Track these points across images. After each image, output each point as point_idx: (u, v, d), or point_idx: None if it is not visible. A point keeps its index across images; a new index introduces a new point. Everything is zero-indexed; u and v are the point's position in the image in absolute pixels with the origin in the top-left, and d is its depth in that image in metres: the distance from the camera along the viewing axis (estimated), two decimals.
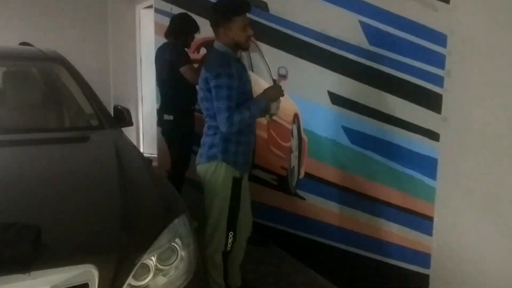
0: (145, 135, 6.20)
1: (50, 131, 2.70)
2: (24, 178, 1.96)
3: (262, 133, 3.34)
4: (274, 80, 3.14)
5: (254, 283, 2.80)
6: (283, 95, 2.36)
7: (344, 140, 2.57)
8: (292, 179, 3.12)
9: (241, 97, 2.25)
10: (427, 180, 2.10)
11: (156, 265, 1.60)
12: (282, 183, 3.23)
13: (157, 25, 4.86)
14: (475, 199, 1.92)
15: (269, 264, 3.06)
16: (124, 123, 2.86)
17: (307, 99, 2.86)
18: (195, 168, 2.42)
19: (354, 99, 2.49)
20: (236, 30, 2.21)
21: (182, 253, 1.68)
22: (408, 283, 2.26)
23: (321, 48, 2.68)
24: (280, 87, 2.35)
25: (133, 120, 3.08)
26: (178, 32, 3.59)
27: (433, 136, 2.05)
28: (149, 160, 4.44)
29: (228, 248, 2.38)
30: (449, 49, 1.94)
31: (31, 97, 3.01)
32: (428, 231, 2.11)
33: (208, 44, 3.75)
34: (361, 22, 2.39)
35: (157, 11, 4.87)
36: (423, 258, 2.16)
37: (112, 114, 2.87)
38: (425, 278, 2.16)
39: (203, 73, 2.27)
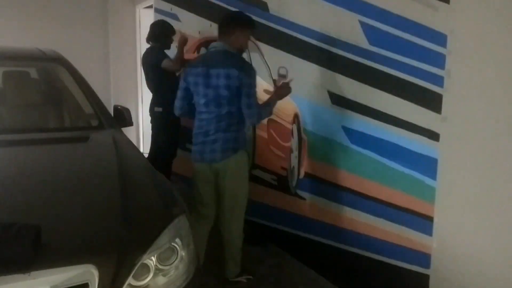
0: (145, 135, 6.18)
1: (50, 131, 2.70)
2: (24, 178, 1.95)
3: (262, 133, 3.34)
4: (274, 80, 3.14)
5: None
6: (290, 91, 2.67)
7: (344, 140, 2.57)
8: (292, 179, 3.12)
9: None
10: (427, 180, 2.10)
11: (156, 265, 1.60)
12: (282, 183, 3.23)
13: None
14: (475, 199, 1.92)
15: (269, 264, 3.06)
16: (124, 123, 2.86)
17: (307, 99, 2.87)
18: (182, 163, 2.48)
19: (354, 99, 2.50)
20: (245, 39, 2.59)
21: (182, 253, 1.69)
22: (408, 283, 2.26)
23: (321, 48, 2.68)
24: (288, 84, 2.65)
25: (133, 120, 3.09)
26: (157, 36, 3.99)
27: (433, 136, 2.05)
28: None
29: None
30: (449, 49, 1.94)
31: (31, 97, 3.01)
32: (428, 231, 2.11)
33: (207, 44, 3.75)
34: (361, 22, 2.39)
35: (157, 11, 4.87)
36: (423, 258, 2.16)
37: (112, 114, 2.87)
38: (425, 278, 2.16)
39: (219, 69, 2.44)
